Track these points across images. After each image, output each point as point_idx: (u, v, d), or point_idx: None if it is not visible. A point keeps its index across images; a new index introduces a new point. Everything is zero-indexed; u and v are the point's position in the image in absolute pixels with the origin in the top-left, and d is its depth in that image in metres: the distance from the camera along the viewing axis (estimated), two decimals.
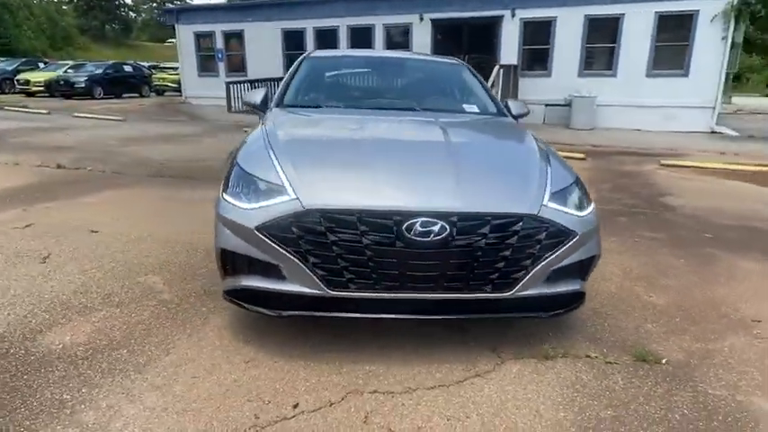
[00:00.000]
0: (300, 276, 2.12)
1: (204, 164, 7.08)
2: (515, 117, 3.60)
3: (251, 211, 2.17)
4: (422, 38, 14.56)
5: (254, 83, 14.48)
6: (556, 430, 1.87)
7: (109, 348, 2.31)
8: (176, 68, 27.20)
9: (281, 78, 14.40)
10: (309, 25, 15.89)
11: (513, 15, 13.44)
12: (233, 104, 14.77)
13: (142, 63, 28.75)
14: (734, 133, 12.11)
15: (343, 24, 15.45)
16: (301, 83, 3.72)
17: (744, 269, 3.64)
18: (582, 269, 2.41)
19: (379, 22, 15.00)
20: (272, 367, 2.19)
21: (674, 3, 11.90)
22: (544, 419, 1.93)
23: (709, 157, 8.86)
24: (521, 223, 2.14)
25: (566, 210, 2.29)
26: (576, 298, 2.44)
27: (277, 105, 3.43)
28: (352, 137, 2.79)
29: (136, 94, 22.89)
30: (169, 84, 25.08)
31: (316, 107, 3.48)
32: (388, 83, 4.05)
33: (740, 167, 7.79)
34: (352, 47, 15.50)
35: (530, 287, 2.22)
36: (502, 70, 11.83)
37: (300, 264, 2.09)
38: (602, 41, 12.92)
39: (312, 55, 4.11)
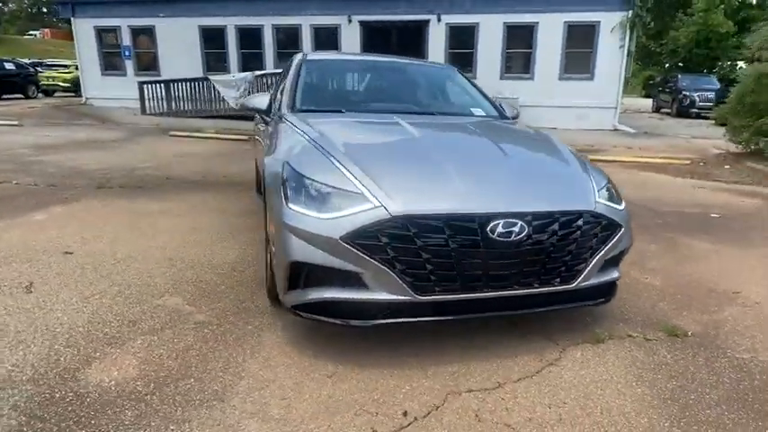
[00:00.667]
0: (386, 284, 2.12)
1: (148, 172, 6.60)
2: (512, 118, 3.81)
3: (332, 220, 2.12)
4: (350, 39, 14.60)
5: (171, 83, 13.69)
6: (642, 404, 2.06)
7: (172, 379, 2.13)
8: (68, 66, 24.86)
9: (206, 78, 14.03)
10: (231, 23, 15.27)
11: (440, 20, 13.93)
12: (148, 106, 13.85)
13: (22, 60, 25.83)
14: (632, 130, 13.53)
15: (268, 23, 15.05)
16: (308, 87, 3.64)
17: (701, 249, 4.14)
18: (620, 258, 2.64)
19: (306, 23, 14.81)
20: (358, 379, 2.16)
21: (579, 14, 13.03)
22: (628, 396, 2.10)
23: (620, 151, 9.83)
24: (582, 219, 2.31)
25: (611, 204, 2.50)
26: (616, 285, 2.67)
27: (291, 110, 3.33)
28: (404, 141, 2.81)
29: (20, 96, 20.56)
30: (60, 84, 22.82)
31: (337, 111, 3.40)
32: (396, 87, 4.08)
33: (649, 160, 8.76)
34: (278, 47, 15.18)
35: (588, 278, 2.39)
36: None
37: (388, 271, 2.09)
38: (520, 47, 13.81)
39: (310, 57, 4.01)
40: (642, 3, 11.98)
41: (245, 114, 12.88)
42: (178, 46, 15.76)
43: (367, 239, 2.08)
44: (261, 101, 3.50)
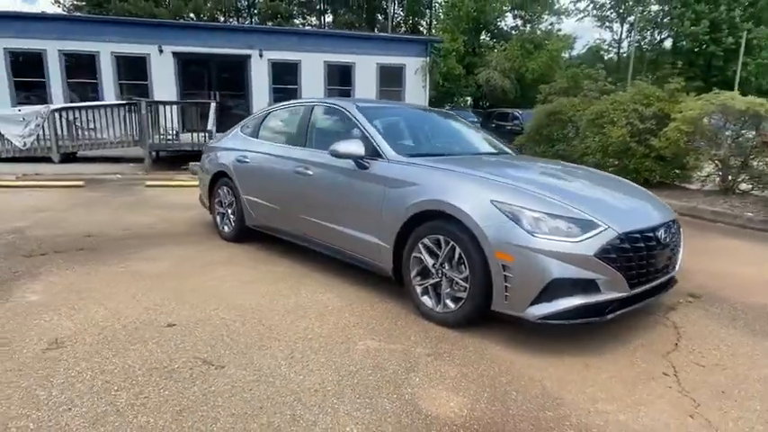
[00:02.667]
0: (614, 284, 2.79)
1: (37, 233, 5.37)
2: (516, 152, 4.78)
3: (582, 242, 2.70)
4: (163, 70, 13.54)
5: None
6: None
7: (497, 415, 2.37)
8: None
9: None
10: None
11: (261, 56, 14.10)
12: None
13: None
14: None
15: (53, 48, 12.78)
16: (386, 132, 3.88)
17: None
18: None
19: (106, 50, 13.10)
20: (583, 372, 2.76)
21: (388, 57, 14.99)
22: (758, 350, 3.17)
23: None
24: (676, 224, 3.39)
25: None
26: None
27: (400, 154, 3.59)
28: (547, 176, 3.55)
29: None
30: None
31: (429, 155, 3.75)
32: (439, 133, 4.56)
33: None
34: (68, 76, 13.04)
35: (677, 267, 3.47)
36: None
37: (619, 274, 2.77)
38: (341, 84, 15.00)
39: (362, 105, 4.18)
40: (435, 52, 14.50)
41: (34, 156, 10.86)
42: None
43: (606, 253, 2.73)
44: (357, 146, 3.63)
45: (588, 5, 43.49)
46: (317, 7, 41.13)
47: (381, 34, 16.52)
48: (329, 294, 3.67)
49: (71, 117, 11.78)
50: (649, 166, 8.63)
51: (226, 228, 5.24)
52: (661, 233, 3.04)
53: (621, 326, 3.13)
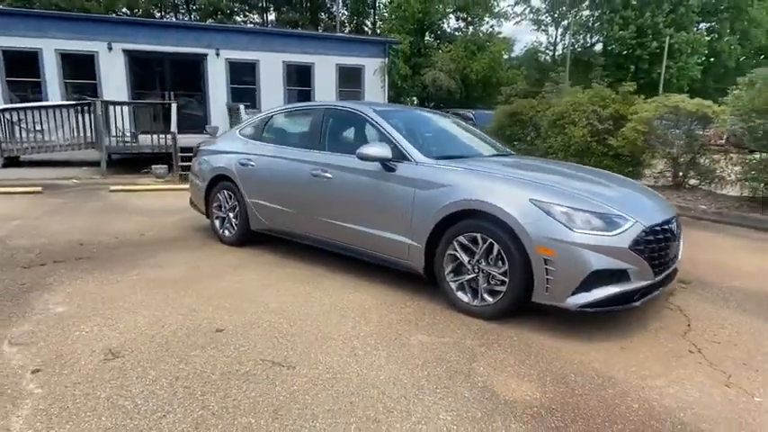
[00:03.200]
0: (641, 273, 3.09)
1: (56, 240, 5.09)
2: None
3: (617, 236, 2.98)
4: (113, 69, 12.93)
5: None
6: None
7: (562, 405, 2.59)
8: None
9: None
10: None
11: (218, 55, 13.76)
12: None
13: None
14: None
15: None
16: (409, 135, 4.02)
17: None
18: None
19: (49, 46, 12.34)
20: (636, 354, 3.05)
21: (347, 58, 15.06)
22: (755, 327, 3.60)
23: None
24: (678, 217, 3.76)
25: None
26: None
27: (427, 156, 3.74)
28: (560, 174, 3.78)
29: None
30: None
31: (451, 158, 3.92)
32: (449, 135, 4.73)
33: None
34: (7, 75, 12.20)
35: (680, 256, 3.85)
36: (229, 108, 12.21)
37: (646, 263, 3.08)
38: (300, 84, 14.90)
39: (379, 109, 4.27)
40: (393, 53, 14.74)
41: None
42: None
43: (637, 245, 3.02)
44: (384, 150, 3.74)
45: (525, 9, 45.28)
46: (260, 4, 40.32)
47: (340, 35, 16.57)
48: (359, 294, 3.78)
49: (15, 118, 11.03)
50: (608, 164, 9.24)
51: (227, 232, 5.19)
52: (673, 225, 3.38)
53: (633, 313, 3.44)
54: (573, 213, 3.05)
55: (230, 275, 4.16)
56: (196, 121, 13.49)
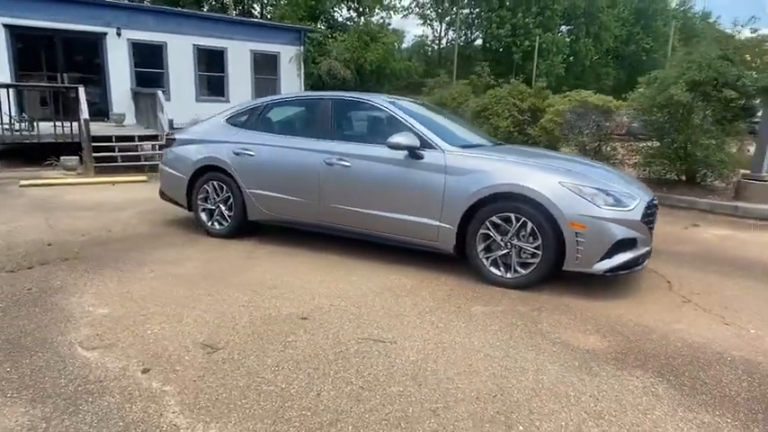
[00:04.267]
0: (645, 242, 3.74)
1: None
2: None
3: (631, 211, 3.59)
4: None
5: None
6: None
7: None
8: None
9: None
10: None
11: (120, 35, 12.60)
12: None
13: None
14: None
15: None
16: (432, 125, 4.31)
17: None
18: None
19: None
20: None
21: (262, 44, 14.67)
22: (713, 279, 4.46)
23: None
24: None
25: None
26: None
27: (454, 145, 4.07)
28: (574, 164, 4.32)
29: None
30: None
31: (469, 146, 4.28)
32: (452, 125, 5.01)
33: None
34: None
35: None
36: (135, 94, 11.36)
37: (648, 233, 3.74)
38: (213, 70, 14.19)
39: (393, 100, 4.46)
40: (310, 40, 14.70)
41: None
42: None
43: (644, 217, 3.66)
44: (412, 139, 3.99)
45: (411, 3, 46.90)
46: None
47: (254, 20, 16.00)
48: (395, 275, 4.01)
49: None
50: None
51: (216, 225, 5.05)
52: (654, 204, 4.10)
53: (622, 277, 4.03)
54: (597, 193, 3.59)
55: (252, 267, 4.14)
56: (96, 108, 12.26)
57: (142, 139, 10.60)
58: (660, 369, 2.65)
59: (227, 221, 5.00)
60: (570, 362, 2.69)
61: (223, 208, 5.00)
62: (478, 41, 50.48)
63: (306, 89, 16.28)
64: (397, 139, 4.01)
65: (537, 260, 3.69)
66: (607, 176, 4.03)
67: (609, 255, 3.56)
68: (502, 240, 3.79)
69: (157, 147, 10.45)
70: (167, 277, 3.81)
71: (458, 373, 2.52)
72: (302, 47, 15.20)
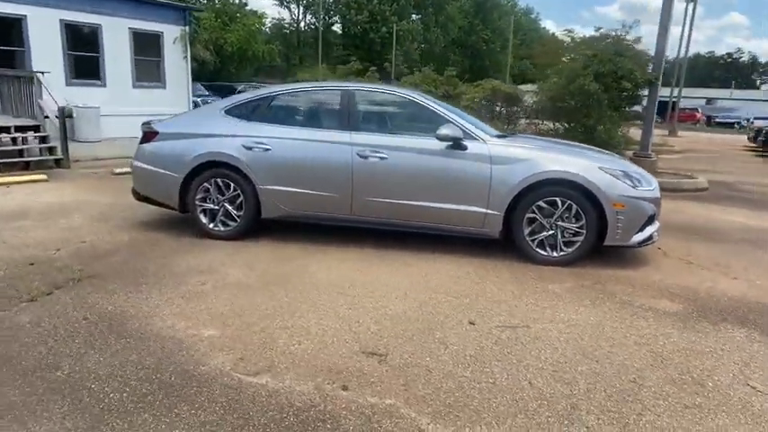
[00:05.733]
0: (657, 217, 4.38)
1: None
2: None
3: (653, 190, 4.19)
4: None
5: None
6: None
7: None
8: None
9: None
10: None
11: None
12: None
13: None
14: None
15: None
16: (464, 117, 4.42)
17: None
18: None
19: None
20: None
21: (143, 22, 13.06)
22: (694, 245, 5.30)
23: None
24: None
25: None
26: None
27: (492, 136, 4.27)
28: (593, 152, 4.79)
29: None
30: None
31: (501, 137, 4.50)
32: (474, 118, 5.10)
33: None
34: None
35: None
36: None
37: (658, 211, 4.39)
38: (86, 50, 12.26)
39: (418, 92, 4.43)
40: (195, 21, 13.56)
41: None
42: None
43: (659, 196, 4.29)
44: (456, 131, 4.10)
45: None
46: None
47: None
48: (450, 265, 4.11)
49: None
50: None
51: (221, 226, 4.61)
52: None
53: (625, 250, 4.68)
54: (630, 176, 4.11)
55: (305, 268, 3.90)
56: None
57: (19, 129, 8.88)
58: (742, 321, 3.21)
59: (234, 221, 4.59)
60: (676, 324, 3.13)
61: (230, 207, 4.57)
62: (337, 26, 50.66)
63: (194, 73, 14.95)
64: (445, 130, 4.10)
65: (580, 239, 4.10)
66: (621, 162, 4.60)
67: (641, 229, 4.11)
68: (547, 222, 4.13)
69: (39, 140, 8.91)
70: (229, 288, 3.44)
71: (612, 347, 2.79)
72: (188, 27, 13.86)
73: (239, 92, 19.88)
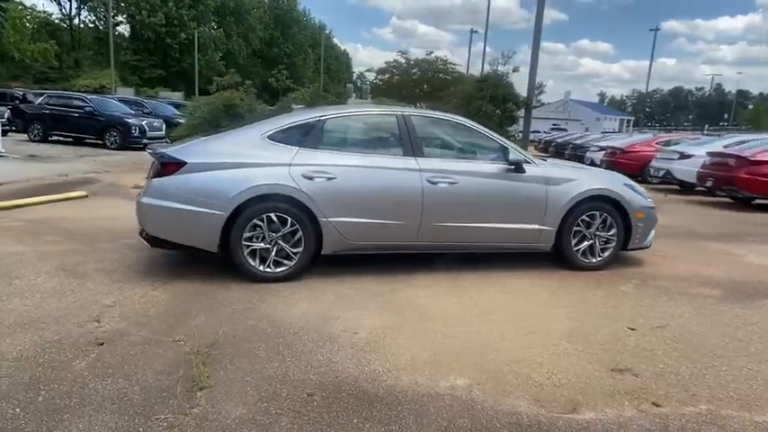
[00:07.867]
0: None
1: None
2: None
3: (650, 200, 5.11)
4: None
5: None
6: None
7: None
8: None
9: None
10: None
11: None
12: None
13: None
14: (16, 155, 12.22)
15: None
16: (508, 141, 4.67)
17: None
18: None
19: None
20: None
21: None
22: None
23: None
24: None
25: None
26: None
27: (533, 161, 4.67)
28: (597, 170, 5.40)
29: None
30: None
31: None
32: None
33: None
34: None
35: None
36: None
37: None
38: None
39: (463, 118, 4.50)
40: (2, 13, 11.01)
41: None
42: None
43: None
44: (520, 155, 4.38)
45: None
46: None
47: None
48: (508, 279, 4.39)
49: None
50: None
51: (271, 266, 4.04)
52: None
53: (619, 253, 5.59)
54: (639, 190, 4.96)
55: (442, 312, 3.65)
56: None
57: None
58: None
59: (290, 260, 4.06)
60: (705, 307, 3.92)
61: (286, 245, 4.03)
62: (123, 27, 45.20)
63: None
64: (515, 156, 4.37)
65: (612, 245, 4.79)
66: (625, 178, 5.44)
67: (649, 233, 5.00)
68: (589, 232, 4.72)
69: None
70: (367, 330, 3.11)
71: (705, 335, 3.37)
72: None
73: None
